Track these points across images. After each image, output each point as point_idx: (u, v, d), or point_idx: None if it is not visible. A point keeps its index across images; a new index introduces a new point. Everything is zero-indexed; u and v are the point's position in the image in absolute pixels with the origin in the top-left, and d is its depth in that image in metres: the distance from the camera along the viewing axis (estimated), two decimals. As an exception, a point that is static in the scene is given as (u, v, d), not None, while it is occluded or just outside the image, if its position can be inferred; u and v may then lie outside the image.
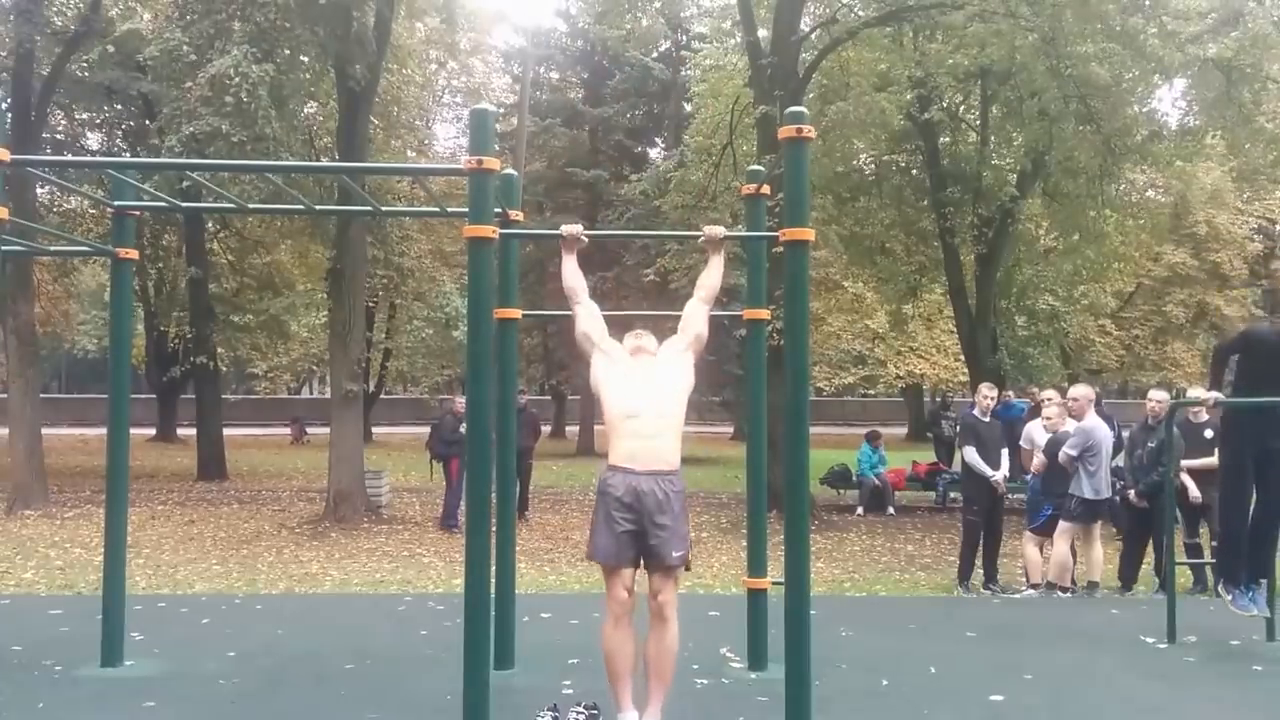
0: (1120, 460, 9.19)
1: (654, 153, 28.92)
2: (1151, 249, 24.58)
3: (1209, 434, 8.46)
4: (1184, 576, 8.43)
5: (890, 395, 40.53)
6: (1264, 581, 6.31)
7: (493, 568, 4.38)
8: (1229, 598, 6.26)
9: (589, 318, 4.52)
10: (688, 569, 4.32)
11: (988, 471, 8.91)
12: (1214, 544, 8.71)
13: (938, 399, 27.56)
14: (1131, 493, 8.59)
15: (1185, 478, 8.49)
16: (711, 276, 4.60)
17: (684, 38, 28.03)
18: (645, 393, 4.25)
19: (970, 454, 9.05)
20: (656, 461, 4.15)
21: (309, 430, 29.44)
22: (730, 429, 32.32)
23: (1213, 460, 8.48)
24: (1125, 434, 9.45)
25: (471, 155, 4.06)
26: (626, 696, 4.17)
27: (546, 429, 33.17)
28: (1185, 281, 28.26)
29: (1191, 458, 8.48)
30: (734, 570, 9.93)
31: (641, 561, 4.17)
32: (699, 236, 4.60)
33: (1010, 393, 13.42)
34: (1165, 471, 7.38)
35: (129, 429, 5.73)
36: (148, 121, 17.83)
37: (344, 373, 13.98)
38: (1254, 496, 6.31)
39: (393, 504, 15.22)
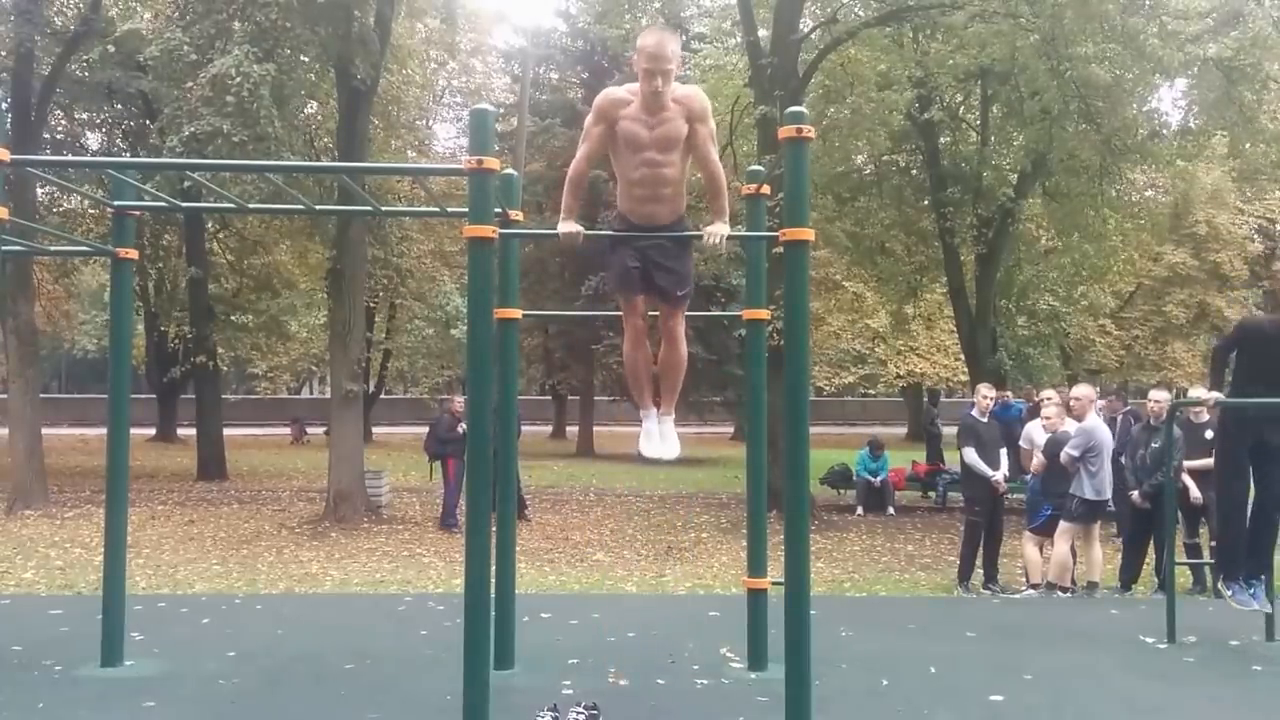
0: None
1: (654, 153, 28.85)
2: (1151, 249, 24.59)
3: (1209, 434, 8.45)
4: (1183, 577, 8.43)
5: (890, 395, 40.55)
6: (1264, 577, 6.30)
7: (493, 568, 4.38)
8: (1229, 593, 6.25)
9: (594, 145, 4.49)
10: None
11: (988, 471, 8.92)
12: (1213, 544, 8.73)
13: (926, 401, 27.61)
14: (1135, 494, 8.59)
15: (1186, 478, 8.49)
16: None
17: (684, 37, 28.00)
18: (654, 170, 4.33)
19: (970, 454, 9.06)
20: (665, 218, 4.42)
21: (309, 430, 29.44)
22: (730, 429, 32.33)
23: (1212, 461, 8.49)
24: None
25: (471, 155, 4.06)
26: (646, 397, 4.53)
27: (546, 429, 33.31)
28: (1185, 282, 28.26)
29: (1192, 458, 8.47)
30: (734, 570, 9.93)
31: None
32: (700, 236, 4.60)
33: (1008, 393, 13.44)
34: (1167, 472, 7.37)
35: (129, 429, 5.73)
36: (148, 121, 17.82)
37: (344, 373, 13.98)
38: (1252, 492, 6.30)
39: (393, 504, 15.22)
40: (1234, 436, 6.28)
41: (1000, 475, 8.99)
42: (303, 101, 16.21)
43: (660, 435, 4.49)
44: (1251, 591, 6.21)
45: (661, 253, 4.39)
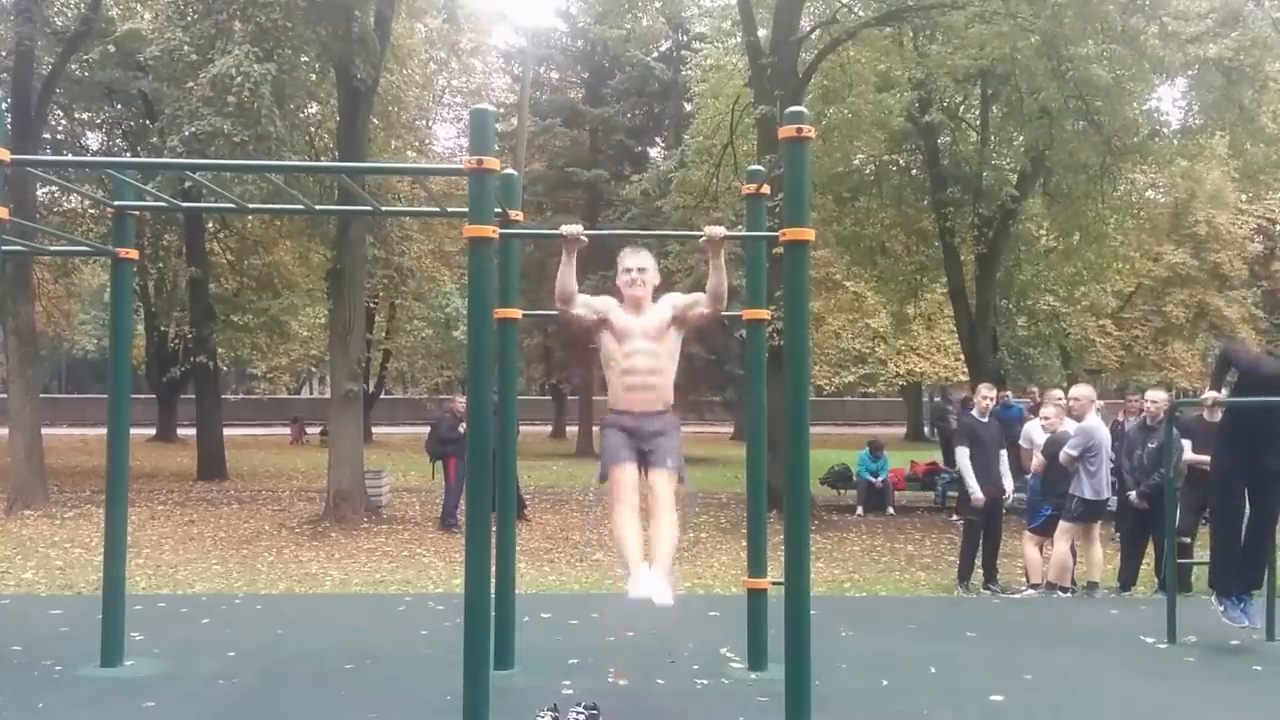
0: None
1: (654, 153, 28.92)
2: (1151, 249, 24.60)
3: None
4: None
5: (890, 395, 40.54)
6: (1255, 593, 6.35)
7: (493, 568, 4.38)
8: (1220, 609, 6.33)
9: (588, 310, 4.72)
10: (682, 481, 4.58)
11: (973, 486, 8.84)
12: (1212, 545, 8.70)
13: (936, 398, 27.38)
14: (1133, 494, 8.57)
15: (1192, 455, 8.22)
16: (716, 283, 4.59)
17: (684, 37, 28.03)
18: (643, 357, 4.57)
19: (961, 456, 9.03)
20: (652, 404, 4.56)
21: (308, 430, 29.44)
22: (730, 429, 32.31)
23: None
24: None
25: (471, 155, 4.06)
26: (636, 562, 4.43)
27: (546, 429, 33.31)
28: (1185, 282, 28.26)
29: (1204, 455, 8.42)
30: (734, 570, 9.92)
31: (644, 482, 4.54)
32: (700, 236, 4.60)
33: (1009, 393, 13.43)
34: (1166, 472, 7.37)
35: (129, 429, 5.73)
36: (148, 121, 17.82)
37: (344, 373, 13.97)
38: (1246, 510, 6.32)
39: (393, 504, 15.21)
40: (1230, 458, 6.33)
41: (999, 490, 8.95)
42: (303, 101, 16.20)
43: (652, 577, 4.28)
44: (1242, 607, 6.27)
45: (650, 437, 4.47)
